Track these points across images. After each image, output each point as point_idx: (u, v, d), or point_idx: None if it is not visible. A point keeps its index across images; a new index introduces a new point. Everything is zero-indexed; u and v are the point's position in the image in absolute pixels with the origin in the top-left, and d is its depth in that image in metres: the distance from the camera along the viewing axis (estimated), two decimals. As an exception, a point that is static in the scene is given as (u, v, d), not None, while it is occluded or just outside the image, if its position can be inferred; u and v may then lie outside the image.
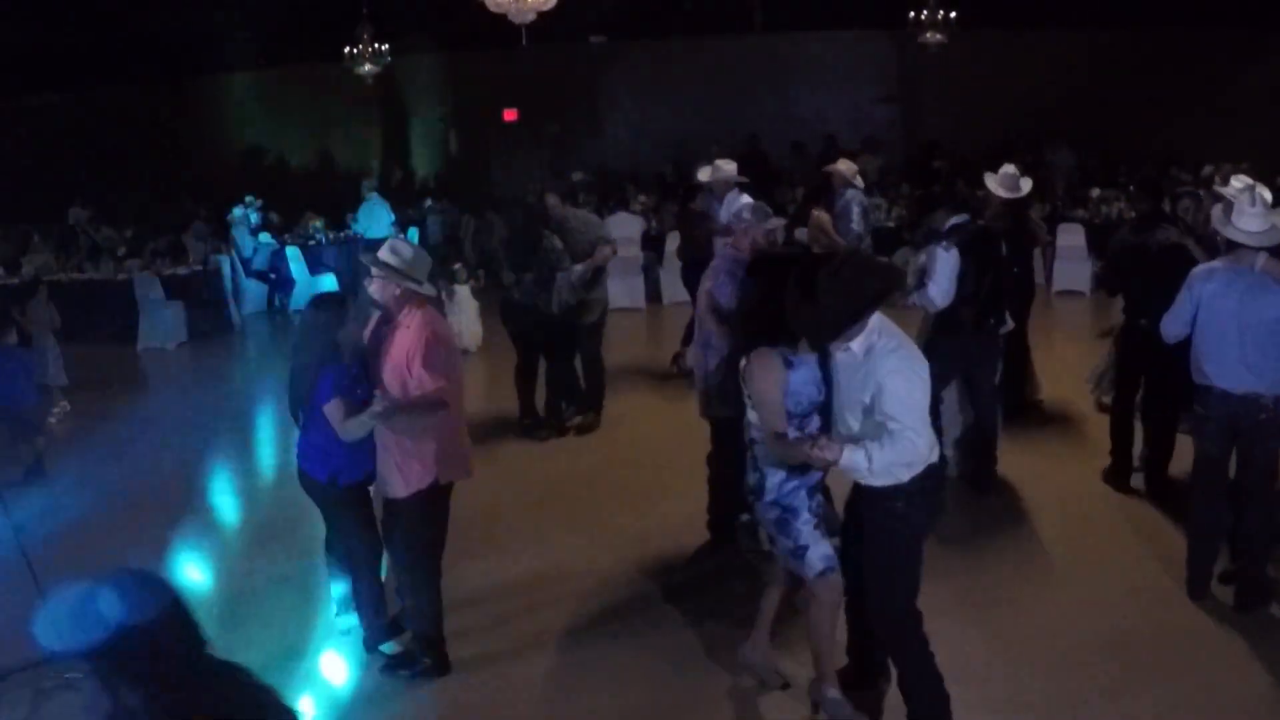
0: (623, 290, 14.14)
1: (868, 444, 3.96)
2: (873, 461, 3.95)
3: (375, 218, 14.88)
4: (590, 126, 20.72)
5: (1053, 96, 18.64)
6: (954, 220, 6.58)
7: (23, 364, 8.45)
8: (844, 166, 10.87)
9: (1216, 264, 5.33)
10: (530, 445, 8.57)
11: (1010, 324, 7.12)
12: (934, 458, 4.17)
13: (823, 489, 4.56)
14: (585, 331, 8.70)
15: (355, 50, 18.94)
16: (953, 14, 17.53)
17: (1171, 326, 5.43)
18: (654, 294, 14.25)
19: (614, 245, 8.95)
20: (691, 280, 10.57)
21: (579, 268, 8.23)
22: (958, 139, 18.90)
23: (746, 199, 9.86)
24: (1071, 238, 13.81)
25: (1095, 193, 15.19)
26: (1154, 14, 17.24)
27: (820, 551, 4.41)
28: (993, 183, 7.87)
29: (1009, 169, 7.97)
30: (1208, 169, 9.36)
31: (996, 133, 18.92)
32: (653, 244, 14.76)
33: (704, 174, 9.95)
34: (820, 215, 10.12)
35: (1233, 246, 5.20)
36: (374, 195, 14.88)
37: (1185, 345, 5.49)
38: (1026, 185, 7.93)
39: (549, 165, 19.12)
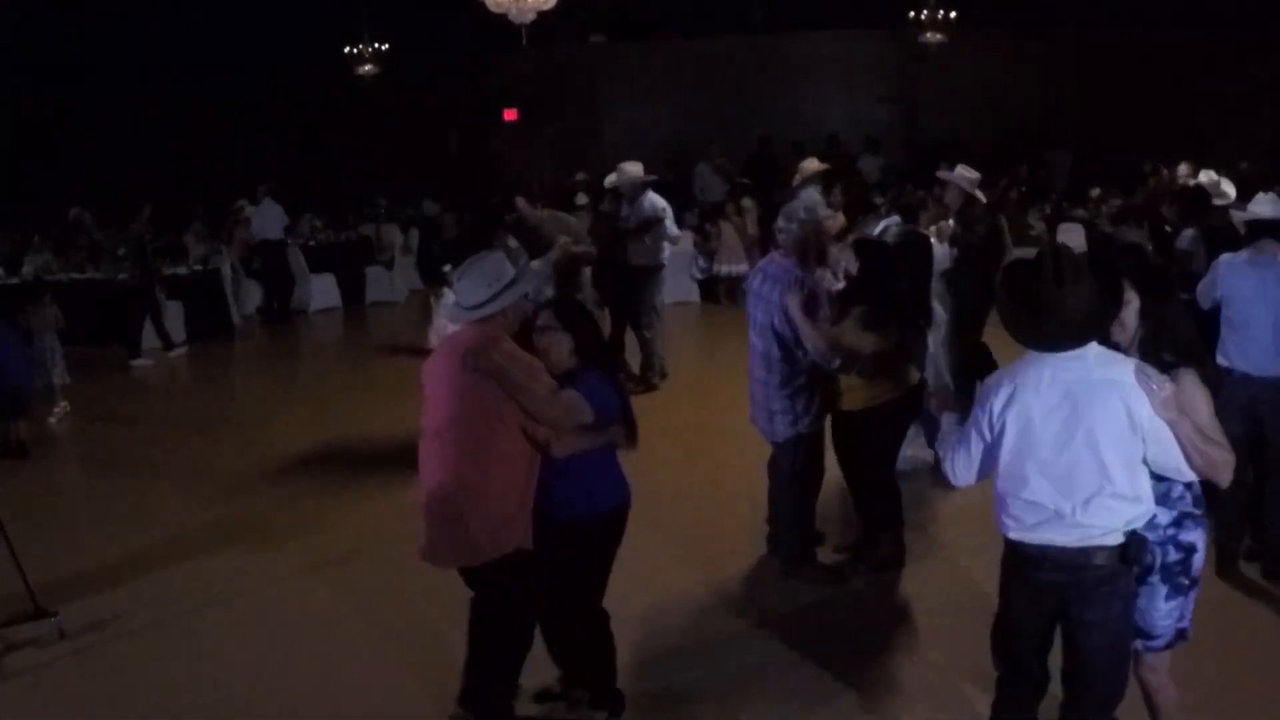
0: (623, 290, 14.15)
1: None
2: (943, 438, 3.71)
3: (269, 220, 15.05)
4: (590, 126, 20.71)
5: (1052, 96, 18.67)
6: (885, 222, 6.60)
7: (17, 343, 8.85)
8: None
9: (1241, 254, 5.60)
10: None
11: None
12: (1010, 533, 3.44)
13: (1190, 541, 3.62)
14: None
15: (355, 50, 19.01)
16: (953, 14, 17.57)
17: (1202, 298, 5.72)
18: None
19: (579, 242, 8.41)
20: (599, 283, 10.43)
21: (536, 264, 7.80)
22: (958, 139, 18.90)
23: (656, 197, 9.71)
24: (1071, 237, 13.81)
25: (1095, 192, 15.20)
26: (1153, 14, 17.25)
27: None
28: (954, 178, 7.87)
29: (969, 170, 7.91)
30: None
31: (996, 133, 18.95)
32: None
33: (610, 180, 9.76)
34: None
35: (1254, 238, 5.50)
36: (267, 200, 15.11)
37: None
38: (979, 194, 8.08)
39: (549, 165, 19.15)
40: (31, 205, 16.08)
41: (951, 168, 7.87)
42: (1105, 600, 3.34)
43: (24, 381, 8.75)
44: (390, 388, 10.17)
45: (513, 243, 7.95)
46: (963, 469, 3.49)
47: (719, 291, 14.36)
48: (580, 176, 16.44)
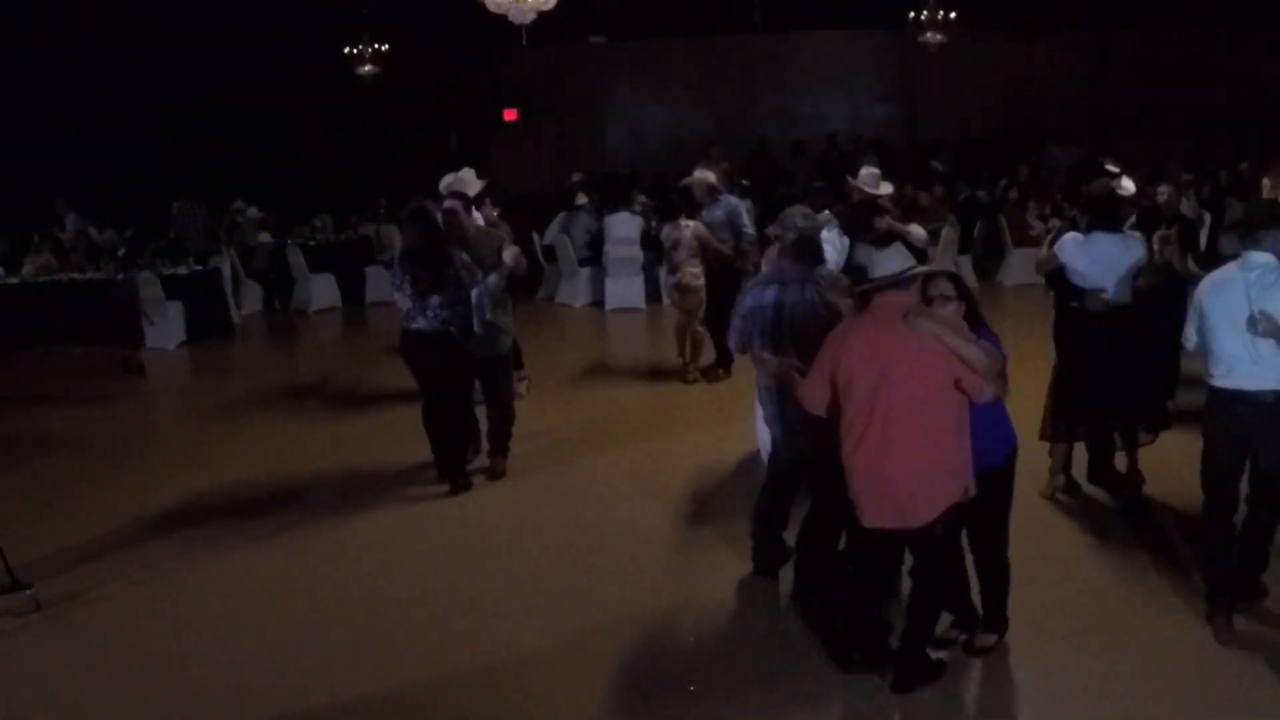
0: (623, 290, 14.17)
1: None
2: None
3: (74, 226, 15.74)
4: (590, 126, 20.73)
5: (1052, 96, 18.67)
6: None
7: (132, 291, 12.05)
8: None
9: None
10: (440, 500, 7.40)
11: None
12: (1221, 381, 4.81)
13: None
14: (493, 363, 7.72)
15: (355, 50, 19.01)
16: (953, 14, 17.56)
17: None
18: (654, 294, 14.23)
19: (516, 250, 8.00)
20: None
21: (493, 278, 7.51)
22: (958, 139, 18.92)
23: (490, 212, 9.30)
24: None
25: (1095, 193, 15.16)
26: (1154, 14, 17.26)
27: None
28: (858, 182, 8.37)
29: (872, 170, 8.43)
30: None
31: (996, 133, 18.95)
32: (653, 244, 14.76)
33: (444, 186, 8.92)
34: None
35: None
36: (71, 213, 15.77)
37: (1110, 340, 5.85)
38: (886, 188, 8.56)
39: (549, 165, 19.15)
40: (31, 205, 16.09)
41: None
42: (1277, 425, 4.78)
43: (135, 320, 12.00)
44: (388, 387, 10.19)
45: (465, 256, 7.48)
46: (1189, 336, 5.11)
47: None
48: (578, 177, 16.46)
